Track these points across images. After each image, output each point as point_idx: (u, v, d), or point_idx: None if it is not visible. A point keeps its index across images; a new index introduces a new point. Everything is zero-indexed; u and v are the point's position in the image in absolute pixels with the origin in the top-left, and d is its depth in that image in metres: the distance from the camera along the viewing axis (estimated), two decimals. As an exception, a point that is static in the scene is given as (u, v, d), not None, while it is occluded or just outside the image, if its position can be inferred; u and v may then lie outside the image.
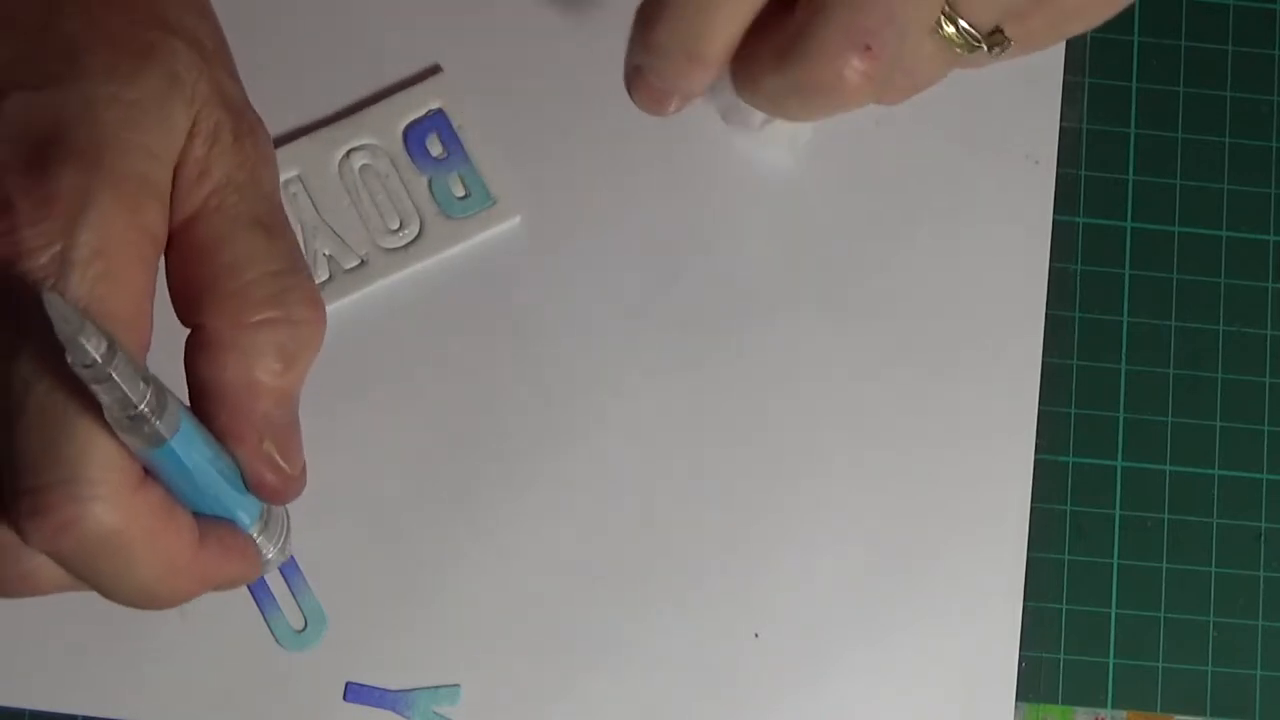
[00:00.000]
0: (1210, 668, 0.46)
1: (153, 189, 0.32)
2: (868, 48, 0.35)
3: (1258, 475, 0.47)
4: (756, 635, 0.45)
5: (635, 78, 0.39)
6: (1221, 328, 0.48)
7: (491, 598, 0.45)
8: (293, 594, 0.44)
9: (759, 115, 0.38)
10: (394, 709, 0.44)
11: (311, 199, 0.45)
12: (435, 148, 0.46)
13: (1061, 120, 0.48)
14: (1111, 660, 0.46)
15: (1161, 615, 0.46)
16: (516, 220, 0.46)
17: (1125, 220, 0.48)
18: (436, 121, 0.46)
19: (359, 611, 0.44)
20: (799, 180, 0.43)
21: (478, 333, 0.46)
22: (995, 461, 0.46)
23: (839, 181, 0.44)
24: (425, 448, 0.45)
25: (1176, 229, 0.48)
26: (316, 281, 0.45)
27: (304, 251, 0.45)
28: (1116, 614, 0.46)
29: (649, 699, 0.44)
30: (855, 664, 0.45)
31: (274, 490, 0.35)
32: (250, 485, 0.35)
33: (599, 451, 0.45)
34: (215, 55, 0.35)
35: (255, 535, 0.36)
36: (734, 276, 0.46)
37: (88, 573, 0.33)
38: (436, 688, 0.44)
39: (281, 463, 0.35)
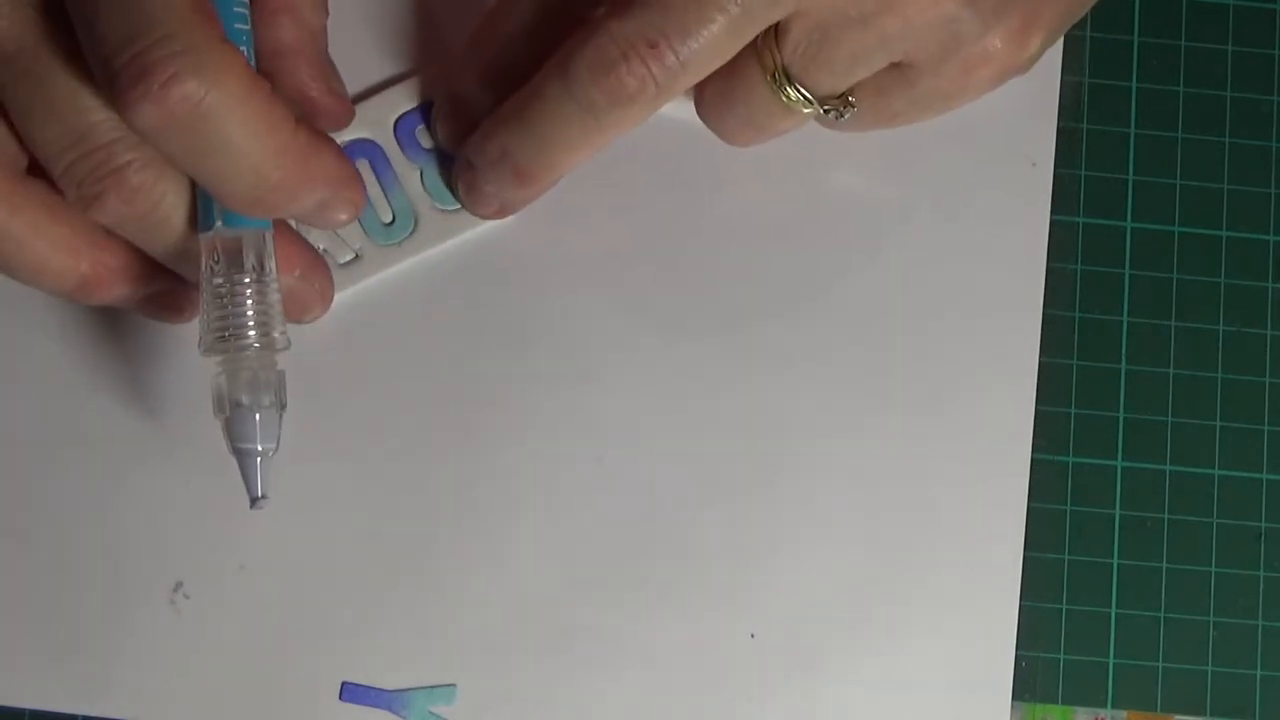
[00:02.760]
0: (1210, 668, 0.46)
1: None
2: (653, 45, 0.38)
3: (1258, 475, 0.47)
4: (752, 636, 0.45)
5: (464, 172, 0.44)
6: (1221, 328, 0.48)
7: (487, 597, 0.45)
8: (383, 189, 0.45)
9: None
10: (390, 709, 0.44)
11: None
12: (426, 140, 0.46)
13: (1060, 121, 0.48)
14: (1111, 660, 0.46)
15: (1161, 615, 0.46)
16: (510, 217, 0.46)
17: (1125, 220, 0.48)
18: (427, 113, 0.46)
19: (355, 611, 0.44)
20: (797, 180, 0.43)
21: (474, 327, 0.46)
22: (992, 461, 0.46)
23: (837, 181, 0.43)
24: (419, 445, 0.45)
25: (1176, 229, 0.48)
26: None
27: None
28: (1116, 614, 0.46)
29: (645, 699, 0.44)
30: (851, 664, 0.45)
31: (326, 112, 0.43)
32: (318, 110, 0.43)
33: (596, 451, 0.45)
34: None
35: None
36: (731, 275, 0.46)
37: (190, 148, 0.36)
38: (432, 688, 0.44)
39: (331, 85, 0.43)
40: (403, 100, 0.46)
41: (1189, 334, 0.48)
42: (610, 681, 0.44)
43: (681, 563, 0.45)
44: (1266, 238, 0.48)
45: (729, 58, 0.39)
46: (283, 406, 0.40)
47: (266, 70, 0.41)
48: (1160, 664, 0.46)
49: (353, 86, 0.46)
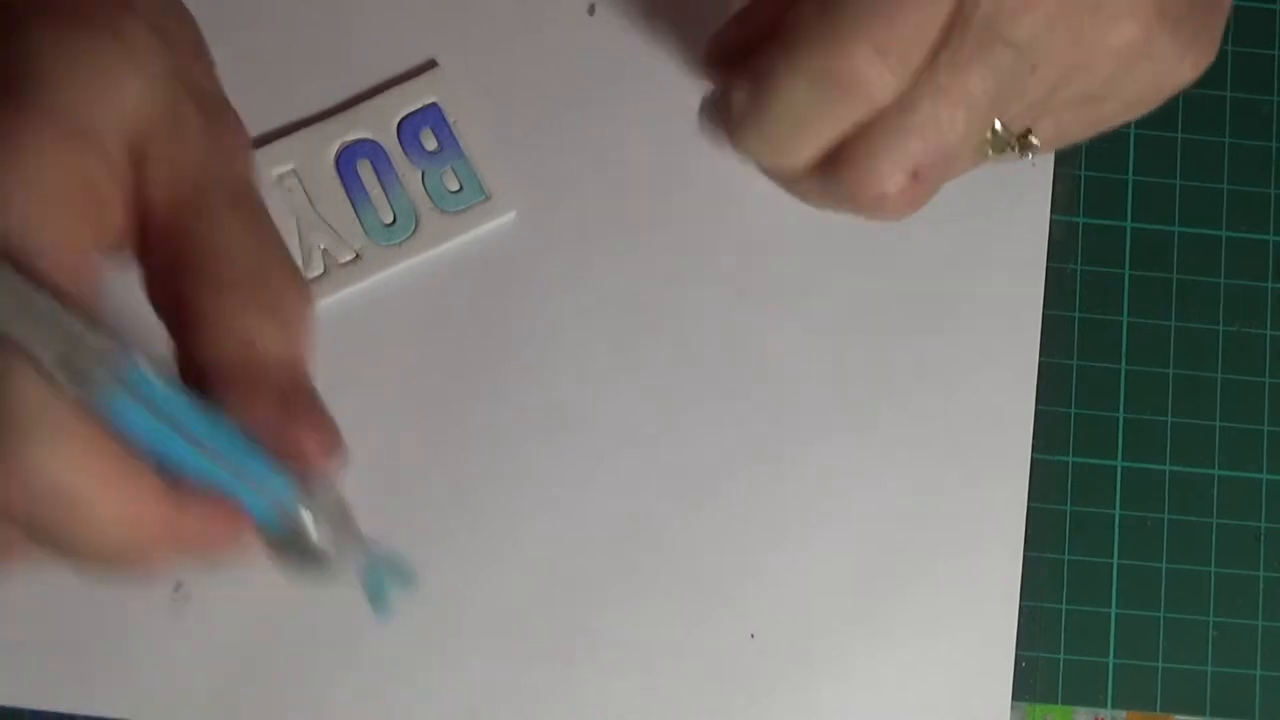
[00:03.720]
0: (1210, 668, 0.46)
1: (95, 146, 0.31)
2: (916, 175, 0.38)
3: (1258, 475, 0.47)
4: (752, 636, 0.45)
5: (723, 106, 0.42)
6: (1221, 328, 0.48)
7: (486, 598, 0.45)
8: (384, 190, 0.45)
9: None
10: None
11: (306, 193, 0.45)
12: (430, 142, 0.46)
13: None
14: (1111, 660, 0.46)
15: (1161, 615, 0.46)
16: (512, 215, 0.46)
17: (1125, 220, 0.48)
18: (431, 115, 0.46)
19: (354, 610, 0.44)
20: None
21: (473, 328, 0.46)
22: (992, 461, 0.46)
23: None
24: (418, 445, 0.45)
25: (1176, 229, 0.48)
26: (311, 276, 0.45)
27: (299, 246, 0.45)
28: (1116, 614, 0.46)
29: (645, 699, 0.44)
30: (851, 664, 0.45)
31: (307, 451, 0.34)
32: (282, 455, 0.33)
33: (594, 450, 0.45)
34: (181, 44, 0.34)
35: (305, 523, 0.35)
36: (730, 276, 0.46)
37: (41, 529, 0.31)
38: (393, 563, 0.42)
39: (312, 416, 0.34)
40: (407, 101, 0.46)
41: (1189, 334, 0.48)
42: (610, 681, 0.44)
43: (681, 563, 0.45)
44: (1266, 238, 0.48)
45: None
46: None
47: (221, 396, 0.33)
48: (1160, 664, 0.46)
49: (361, 85, 0.46)
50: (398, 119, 0.46)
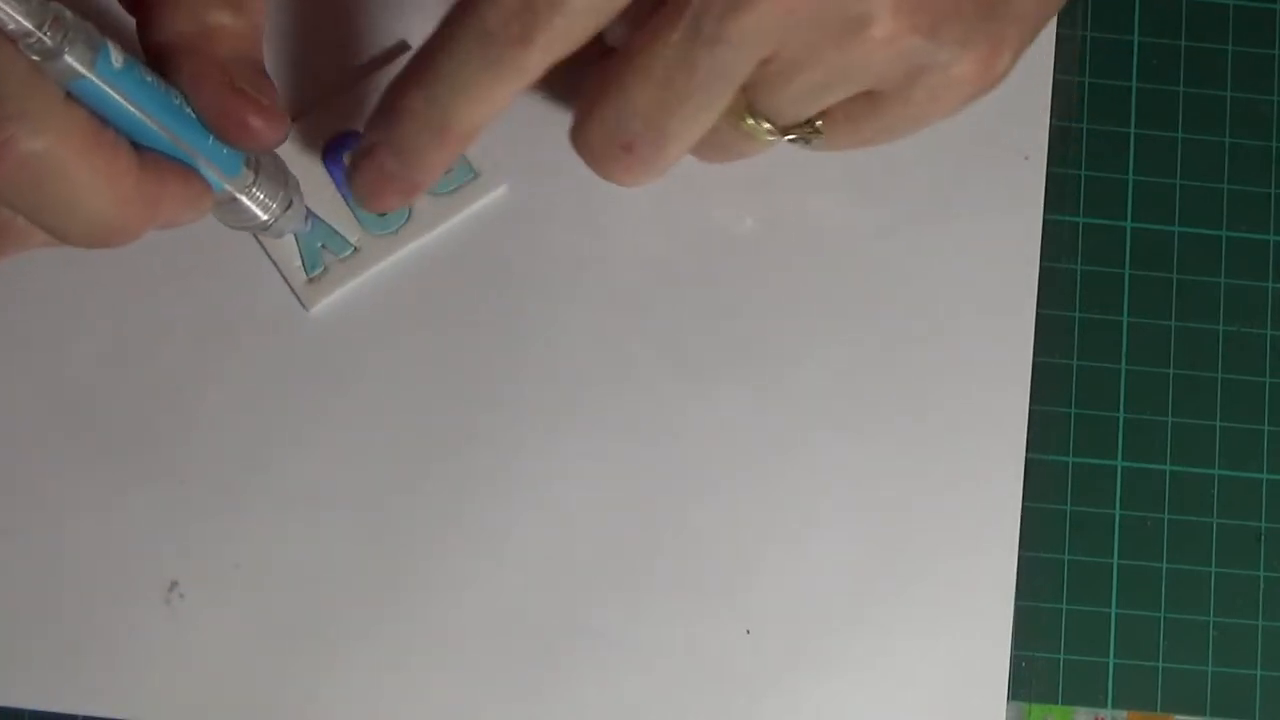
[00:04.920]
0: (1210, 668, 0.46)
1: None
2: (627, 148, 0.39)
3: (1258, 475, 0.47)
4: (748, 633, 0.45)
5: (365, 158, 0.40)
6: (1221, 328, 0.48)
7: (484, 596, 0.45)
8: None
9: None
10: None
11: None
12: None
13: (1057, 118, 0.48)
14: (1111, 660, 0.46)
15: (1161, 615, 0.46)
16: (503, 189, 0.46)
17: (1125, 220, 0.48)
18: None
19: (352, 610, 0.44)
20: (790, 174, 0.43)
21: (471, 327, 0.46)
22: (986, 459, 0.45)
23: (830, 176, 0.43)
24: (416, 444, 0.45)
25: (1176, 229, 0.48)
26: (313, 275, 0.45)
27: (297, 246, 0.45)
28: (1116, 614, 0.46)
29: (642, 696, 0.44)
30: (847, 661, 0.44)
31: (251, 130, 0.36)
32: (225, 133, 0.37)
33: (594, 449, 0.45)
34: None
35: (247, 191, 0.39)
36: (726, 274, 0.46)
37: (31, 203, 0.34)
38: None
39: (255, 94, 0.36)
40: (384, 87, 0.46)
41: (1189, 334, 0.48)
42: (607, 679, 0.44)
43: (678, 560, 0.45)
44: (1266, 238, 0.48)
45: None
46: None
47: (176, 74, 0.36)
48: (1160, 664, 0.46)
49: (332, 80, 0.46)
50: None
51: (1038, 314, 0.47)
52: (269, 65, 0.46)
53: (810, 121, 0.41)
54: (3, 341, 0.45)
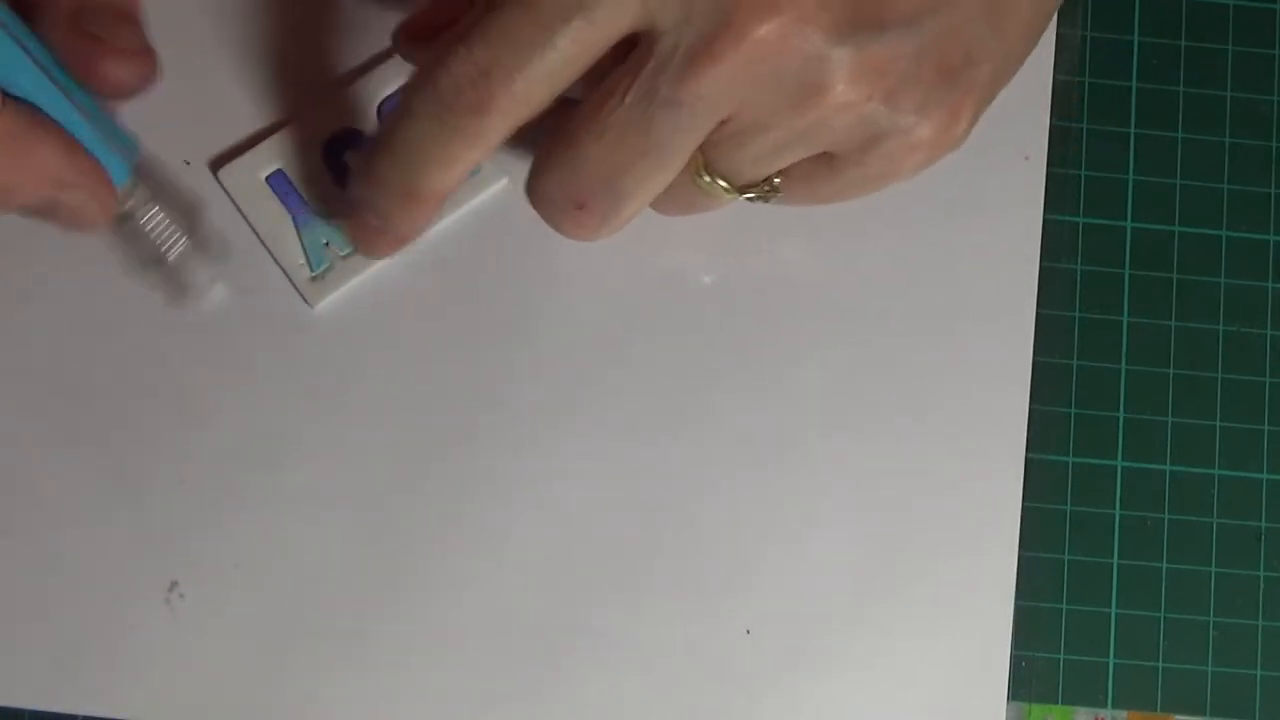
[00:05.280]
0: (1210, 668, 0.46)
1: None
2: (580, 206, 0.39)
3: (1258, 475, 0.47)
4: (748, 632, 0.45)
5: (354, 215, 0.42)
6: (1221, 328, 0.48)
7: (484, 596, 0.45)
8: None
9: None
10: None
11: (298, 190, 0.45)
12: None
13: (1057, 118, 0.48)
14: (1111, 660, 0.46)
15: (1161, 615, 0.46)
16: (504, 182, 0.46)
17: (1125, 220, 0.48)
18: None
19: (352, 610, 0.44)
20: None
21: (471, 327, 0.46)
22: (986, 459, 0.46)
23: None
24: (416, 444, 0.45)
25: (1176, 229, 0.48)
26: (316, 273, 0.45)
27: (300, 244, 0.45)
28: (1116, 614, 0.46)
29: (642, 696, 0.44)
30: (847, 661, 0.44)
31: (104, 75, 0.37)
32: (84, 81, 0.37)
33: (594, 449, 0.45)
34: None
35: (132, 208, 0.39)
36: (726, 274, 0.46)
37: None
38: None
39: (107, 38, 0.37)
40: (382, 85, 0.46)
41: (1189, 334, 0.48)
42: (607, 679, 0.44)
43: (678, 560, 0.45)
44: (1266, 238, 0.48)
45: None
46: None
47: (37, 28, 0.37)
48: (1160, 664, 0.46)
49: (330, 78, 0.46)
50: (376, 103, 0.46)
51: (1038, 314, 0.47)
52: (267, 64, 0.46)
53: (768, 180, 0.40)
54: (2, 341, 0.45)
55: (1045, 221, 0.47)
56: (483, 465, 0.45)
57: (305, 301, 0.45)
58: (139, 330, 0.45)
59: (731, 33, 0.35)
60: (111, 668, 0.44)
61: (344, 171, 0.45)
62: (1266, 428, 0.47)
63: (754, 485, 0.45)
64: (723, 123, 0.37)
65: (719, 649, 0.44)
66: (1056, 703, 0.46)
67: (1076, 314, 0.48)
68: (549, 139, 0.39)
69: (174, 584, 0.44)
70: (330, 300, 0.45)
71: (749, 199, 0.41)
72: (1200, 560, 0.47)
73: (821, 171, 0.40)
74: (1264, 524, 0.47)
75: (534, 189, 0.40)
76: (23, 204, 0.37)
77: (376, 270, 0.46)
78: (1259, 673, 0.46)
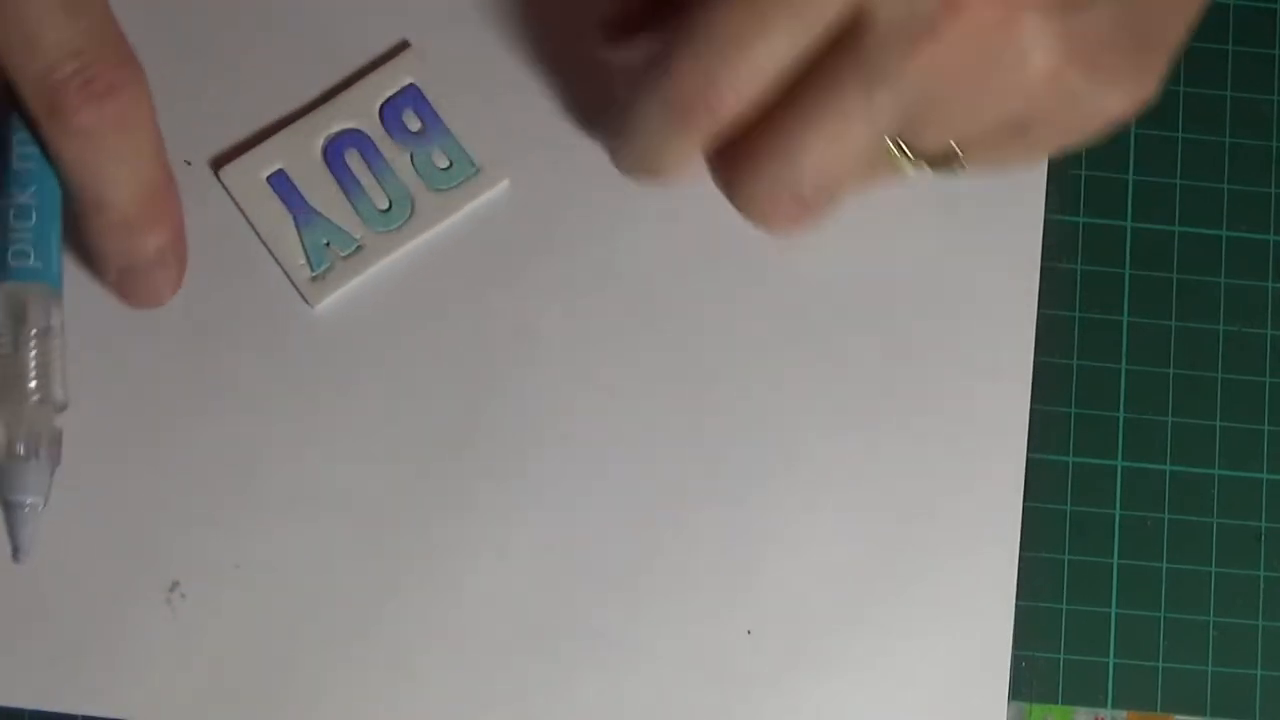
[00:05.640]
0: (1210, 668, 0.46)
1: None
2: (799, 199, 0.40)
3: (1258, 475, 0.47)
4: (749, 633, 0.45)
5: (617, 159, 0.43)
6: (1221, 328, 0.48)
7: (484, 596, 0.45)
8: (375, 177, 0.46)
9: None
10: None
11: (299, 190, 0.45)
12: (413, 123, 0.46)
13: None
14: (1111, 660, 0.46)
15: (1161, 615, 0.46)
16: (505, 184, 0.46)
17: (1125, 220, 0.48)
18: (411, 96, 0.46)
19: (352, 610, 0.44)
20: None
21: (472, 326, 0.46)
22: (987, 459, 0.46)
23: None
24: (416, 444, 0.45)
25: (1176, 229, 0.48)
26: (317, 273, 0.45)
27: (300, 244, 0.45)
28: (1116, 614, 0.46)
29: (642, 696, 0.44)
30: (847, 661, 0.44)
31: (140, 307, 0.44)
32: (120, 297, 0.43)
33: (594, 449, 0.45)
34: None
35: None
36: (726, 273, 0.46)
37: (115, 151, 0.39)
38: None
39: None
40: (384, 85, 0.46)
41: (1189, 334, 0.48)
42: (608, 679, 0.44)
43: (678, 560, 0.45)
44: (1266, 238, 0.48)
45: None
46: (56, 463, 0.42)
47: None
48: (1160, 664, 0.46)
49: (336, 76, 0.46)
50: (378, 104, 0.46)
51: (1038, 314, 0.47)
52: (268, 64, 0.46)
53: (953, 151, 0.41)
54: (3, 341, 0.45)
55: (1045, 221, 0.47)
56: (483, 465, 0.45)
57: (305, 301, 0.45)
58: (138, 330, 0.45)
59: (953, 10, 0.36)
60: (111, 668, 0.44)
61: (343, 172, 0.46)
62: (1266, 428, 0.47)
63: (754, 485, 0.45)
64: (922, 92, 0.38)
65: (719, 649, 0.44)
66: (1056, 703, 0.46)
67: (1076, 314, 0.48)
68: (751, 137, 0.39)
69: (174, 584, 0.44)
70: (331, 300, 0.45)
71: (934, 170, 0.41)
72: (1200, 560, 0.47)
73: (1009, 138, 0.40)
74: (1264, 524, 0.47)
75: (746, 190, 0.40)
76: (157, 239, 0.42)
77: (377, 270, 0.46)
78: (1259, 673, 0.46)
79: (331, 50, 0.47)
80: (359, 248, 0.45)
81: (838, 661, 0.45)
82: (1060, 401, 0.47)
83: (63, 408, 0.43)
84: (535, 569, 0.45)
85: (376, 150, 0.46)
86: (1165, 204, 0.48)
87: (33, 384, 0.41)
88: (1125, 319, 0.48)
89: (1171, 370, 0.48)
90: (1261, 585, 0.46)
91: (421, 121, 0.46)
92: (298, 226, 0.45)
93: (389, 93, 0.46)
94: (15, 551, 0.42)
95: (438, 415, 0.45)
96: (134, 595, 0.44)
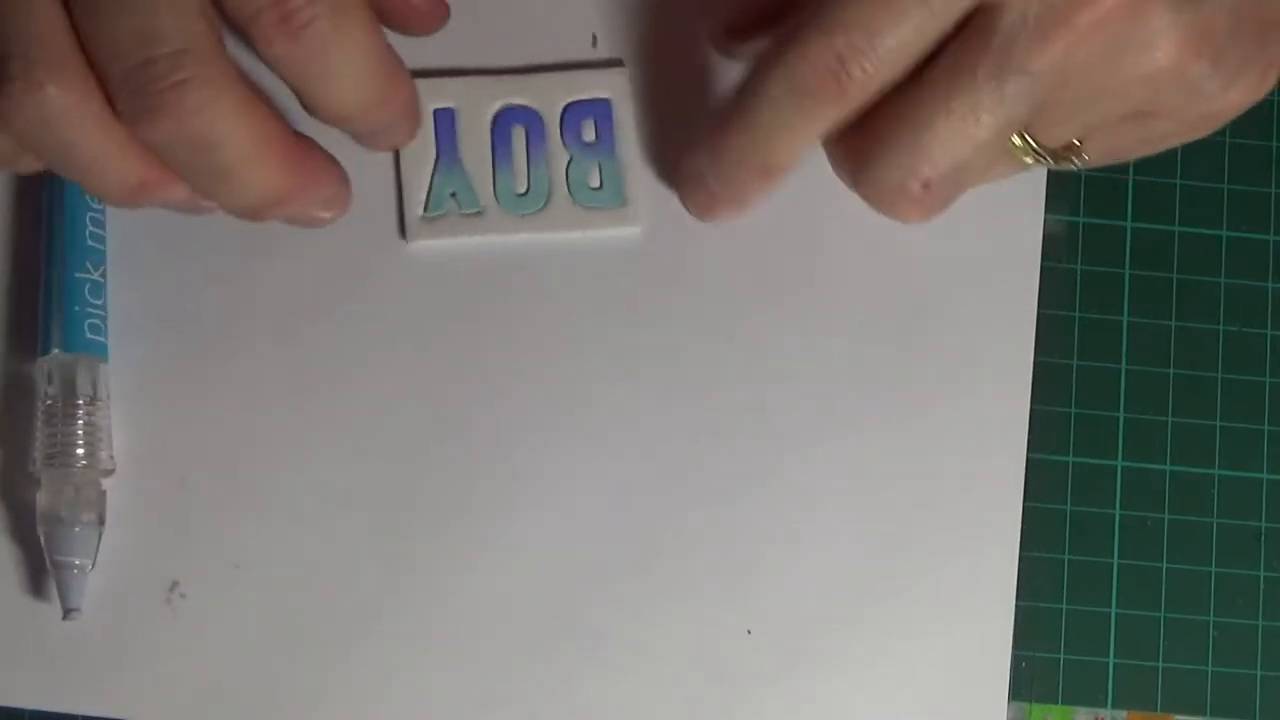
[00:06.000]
0: (1210, 668, 0.46)
1: None
2: (925, 185, 0.39)
3: (1258, 475, 0.47)
4: (749, 633, 0.45)
5: (693, 183, 0.43)
6: (1221, 328, 0.48)
7: (484, 596, 0.45)
8: (528, 160, 0.46)
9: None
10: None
11: (456, 135, 0.45)
12: (589, 133, 0.46)
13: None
14: (1111, 660, 0.46)
15: (1161, 615, 0.46)
16: (636, 230, 0.46)
17: (1125, 220, 0.48)
18: (599, 109, 0.46)
19: (352, 610, 0.44)
20: (790, 177, 0.43)
21: (472, 325, 0.46)
22: (988, 459, 0.46)
23: (830, 177, 0.43)
24: (417, 443, 0.45)
25: (1176, 229, 0.48)
26: (434, 214, 0.46)
27: (428, 181, 0.46)
28: (1116, 614, 0.46)
29: (642, 696, 0.44)
30: (848, 661, 0.44)
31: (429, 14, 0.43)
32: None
33: (593, 448, 0.45)
34: None
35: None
36: (726, 273, 0.46)
37: (205, 157, 0.37)
38: None
39: None
40: (582, 88, 0.46)
41: (1189, 334, 0.48)
42: (608, 679, 0.44)
43: (679, 560, 0.45)
44: (1266, 238, 0.48)
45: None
46: (101, 524, 0.43)
47: None
48: (1160, 664, 0.46)
49: (541, 58, 0.47)
50: (567, 100, 0.46)
51: (1038, 314, 0.47)
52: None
53: (1073, 143, 0.41)
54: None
55: (1045, 221, 0.47)
56: (483, 465, 0.45)
57: (402, 235, 0.45)
58: (137, 330, 0.45)
59: (1085, 1, 0.36)
60: (112, 668, 0.44)
61: (502, 142, 0.46)
62: (1266, 428, 0.47)
63: (754, 485, 0.45)
64: (1052, 83, 0.38)
65: (719, 649, 0.44)
66: (1056, 703, 0.46)
67: (1076, 314, 0.48)
68: (883, 119, 0.39)
69: (174, 584, 0.44)
70: (426, 245, 0.45)
71: (1055, 162, 0.41)
72: (1200, 560, 0.47)
73: (1129, 130, 0.40)
74: (1264, 524, 0.47)
75: (871, 176, 0.40)
76: (300, 208, 0.40)
77: (480, 242, 0.46)
78: (1259, 673, 0.46)
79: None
80: (481, 212, 0.45)
81: (838, 661, 0.45)
82: (1060, 401, 0.47)
83: (109, 473, 0.44)
84: (536, 569, 0.45)
85: (543, 139, 0.46)
86: (1165, 204, 0.48)
87: (80, 450, 0.43)
88: (1125, 319, 0.48)
89: (1171, 370, 0.48)
90: (1261, 585, 0.46)
91: (597, 135, 0.46)
92: (436, 166, 0.45)
93: (582, 96, 0.46)
94: (67, 612, 0.42)
95: (437, 415, 0.45)
96: (133, 595, 0.44)
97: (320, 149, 0.40)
